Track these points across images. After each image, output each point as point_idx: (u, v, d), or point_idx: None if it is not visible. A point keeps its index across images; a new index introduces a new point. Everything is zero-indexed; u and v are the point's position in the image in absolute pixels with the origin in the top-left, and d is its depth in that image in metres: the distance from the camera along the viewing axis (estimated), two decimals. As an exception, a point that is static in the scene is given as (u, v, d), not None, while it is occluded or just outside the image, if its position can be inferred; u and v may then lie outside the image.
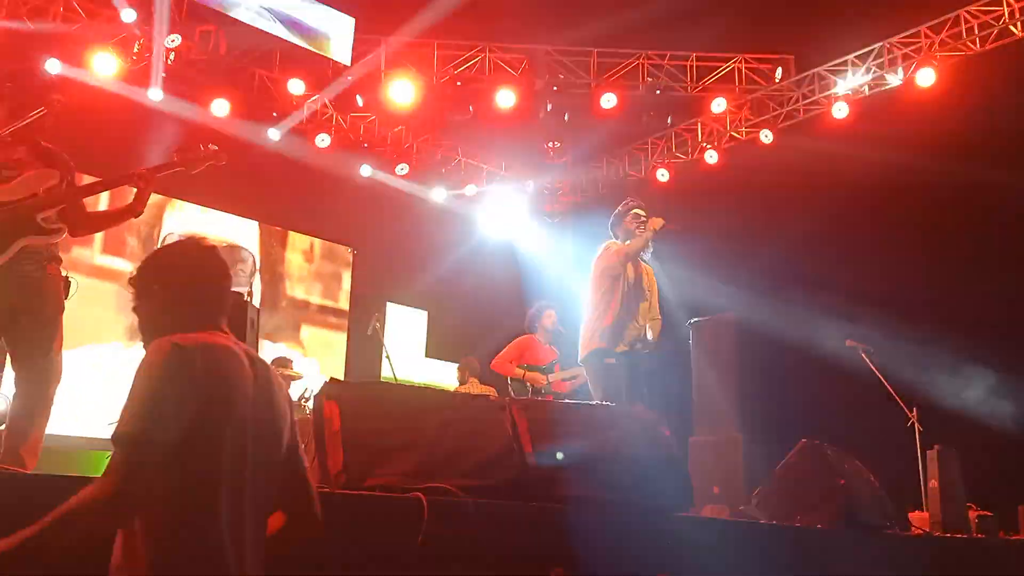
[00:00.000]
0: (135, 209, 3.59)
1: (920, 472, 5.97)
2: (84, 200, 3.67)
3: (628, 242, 5.32)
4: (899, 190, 8.30)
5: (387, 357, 7.55)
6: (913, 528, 5.10)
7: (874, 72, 8.89)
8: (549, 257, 11.96)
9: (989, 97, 7.95)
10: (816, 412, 7.07)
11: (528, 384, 6.73)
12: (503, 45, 9.40)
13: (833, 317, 7.78)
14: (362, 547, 2.68)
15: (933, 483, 5.45)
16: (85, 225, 3.70)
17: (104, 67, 8.07)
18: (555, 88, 9.65)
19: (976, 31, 8.20)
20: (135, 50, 8.39)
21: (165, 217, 9.21)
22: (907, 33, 8.61)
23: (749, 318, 7.33)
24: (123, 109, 8.29)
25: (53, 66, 7.90)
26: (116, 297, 8.70)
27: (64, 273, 3.54)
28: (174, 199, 9.18)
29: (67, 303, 3.50)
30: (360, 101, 9.60)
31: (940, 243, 7.95)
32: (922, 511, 5.64)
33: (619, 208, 5.53)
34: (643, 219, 5.35)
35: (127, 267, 8.83)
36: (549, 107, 9.98)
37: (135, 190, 3.58)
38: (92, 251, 8.55)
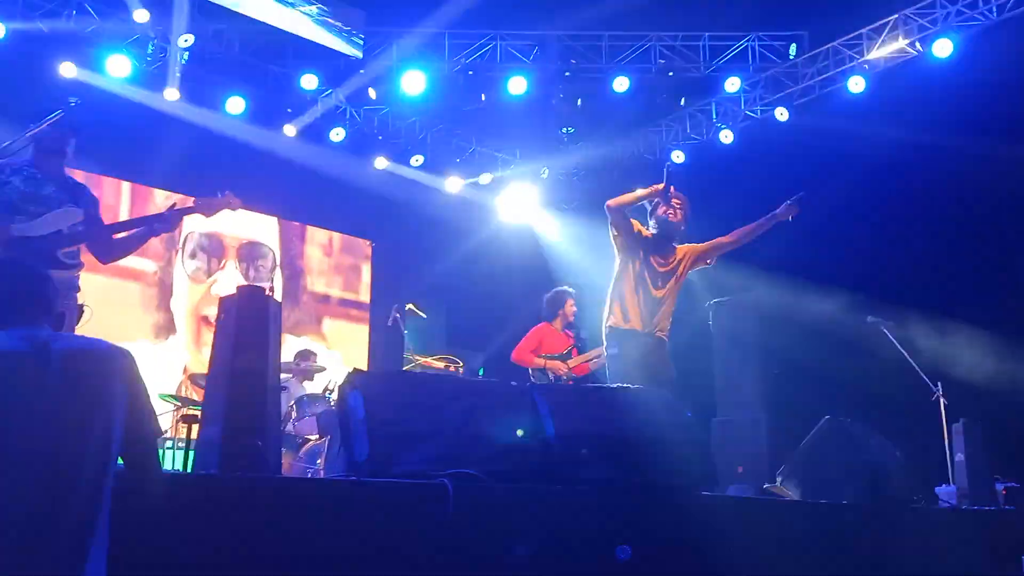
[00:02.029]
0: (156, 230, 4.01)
1: (946, 446, 5.95)
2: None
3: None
4: (918, 164, 8.24)
5: (408, 347, 7.61)
6: (940, 501, 5.08)
7: (890, 45, 8.79)
8: (566, 243, 11.96)
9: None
10: (840, 390, 7.05)
11: (549, 372, 6.75)
12: (514, 32, 9.39)
13: (854, 293, 7.74)
14: (389, 532, 2.72)
15: (959, 456, 5.43)
16: (111, 254, 3.97)
17: (119, 68, 8.14)
18: (567, 73, 9.64)
19: (992, -1, 8.11)
20: (149, 51, 8.47)
21: (185, 217, 9.28)
22: (923, 3, 8.52)
23: (770, 297, 7.32)
24: (140, 110, 8.37)
25: (68, 70, 7.99)
26: (140, 296, 8.81)
27: (80, 302, 3.76)
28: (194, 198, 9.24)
29: (84, 319, 3.71)
30: (373, 94, 9.64)
31: (960, 216, 7.89)
32: (949, 484, 5.62)
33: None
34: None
35: (151, 267, 8.93)
36: (561, 93, 9.98)
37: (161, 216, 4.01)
38: (115, 252, 8.64)
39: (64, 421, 2.00)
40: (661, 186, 5.07)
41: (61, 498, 1.96)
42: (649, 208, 5.21)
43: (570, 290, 7.18)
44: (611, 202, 5.08)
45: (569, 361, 6.74)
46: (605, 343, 5.12)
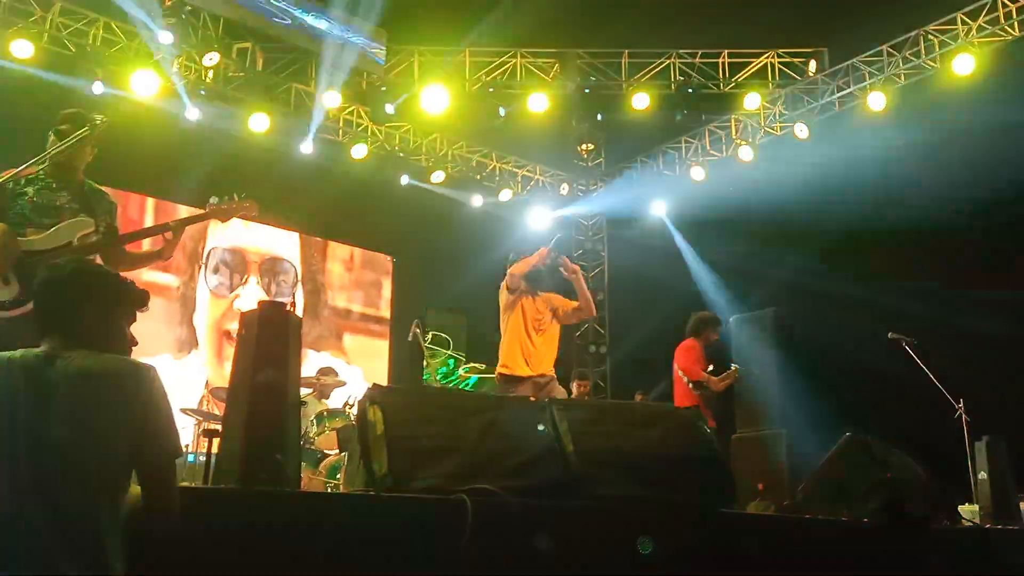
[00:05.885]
0: (164, 254, 3.84)
1: (969, 463, 5.89)
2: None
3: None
4: (940, 180, 8.19)
5: (426, 363, 7.65)
6: (963, 520, 5.03)
7: (910, 61, 8.77)
8: (584, 259, 11.98)
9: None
10: (860, 406, 7.01)
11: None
12: (534, 50, 9.45)
13: (875, 309, 7.71)
14: (407, 548, 2.74)
15: (982, 474, 5.36)
16: (121, 266, 3.82)
17: (145, 87, 8.27)
18: (587, 90, 9.69)
19: (1014, 15, 8.05)
20: (175, 69, 8.60)
21: (209, 232, 9.41)
22: (943, 20, 8.50)
23: (790, 313, 7.28)
24: (165, 127, 8.50)
25: (97, 87, 8.14)
26: (164, 311, 8.91)
27: None
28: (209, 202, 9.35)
29: None
30: (394, 111, 9.73)
31: (982, 230, 7.83)
32: (972, 503, 5.56)
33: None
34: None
35: (175, 282, 9.04)
36: (581, 110, 10.02)
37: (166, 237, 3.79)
38: (139, 267, 8.74)
39: (68, 440, 2.01)
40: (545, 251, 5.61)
41: (65, 510, 1.98)
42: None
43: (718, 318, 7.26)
44: (517, 271, 5.62)
45: (714, 379, 6.79)
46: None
